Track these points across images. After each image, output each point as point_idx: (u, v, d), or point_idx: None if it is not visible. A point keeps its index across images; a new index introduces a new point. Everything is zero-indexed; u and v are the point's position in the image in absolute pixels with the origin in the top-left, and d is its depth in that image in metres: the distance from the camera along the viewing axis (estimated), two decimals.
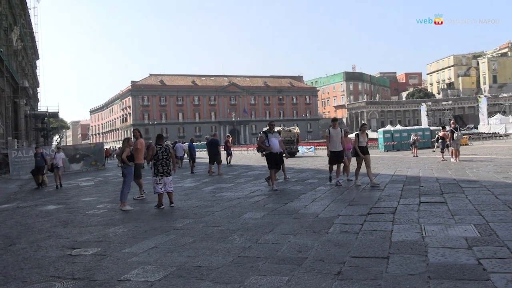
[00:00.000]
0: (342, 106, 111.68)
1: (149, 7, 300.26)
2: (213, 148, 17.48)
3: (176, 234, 6.27)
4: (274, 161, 11.00)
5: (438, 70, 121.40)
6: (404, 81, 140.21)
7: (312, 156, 29.76)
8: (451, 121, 21.52)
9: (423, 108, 73.24)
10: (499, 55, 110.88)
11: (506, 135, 49.00)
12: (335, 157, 11.21)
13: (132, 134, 10.56)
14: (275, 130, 11.80)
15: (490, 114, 69.58)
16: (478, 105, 72.68)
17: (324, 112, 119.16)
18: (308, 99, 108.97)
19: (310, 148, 35.96)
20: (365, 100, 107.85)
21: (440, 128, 22.77)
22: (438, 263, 4.12)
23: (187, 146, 23.93)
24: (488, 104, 71.49)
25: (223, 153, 24.17)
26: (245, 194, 10.42)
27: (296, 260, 4.54)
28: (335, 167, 11.44)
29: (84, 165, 27.60)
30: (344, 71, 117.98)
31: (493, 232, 5.16)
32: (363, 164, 10.71)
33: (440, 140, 19.60)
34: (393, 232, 5.53)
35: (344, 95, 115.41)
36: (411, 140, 25.82)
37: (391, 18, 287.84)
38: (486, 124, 62.43)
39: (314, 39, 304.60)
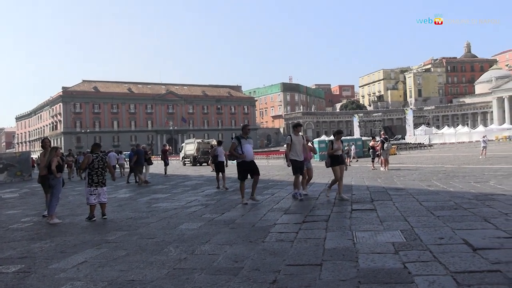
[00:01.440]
0: (279, 116, 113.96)
1: (81, 9, 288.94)
2: (140, 158, 17.99)
3: (108, 247, 6.02)
4: (246, 170, 9.74)
5: (369, 83, 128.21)
6: (338, 93, 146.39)
7: None
8: (381, 132, 22.76)
9: (356, 119, 76.56)
10: (424, 70, 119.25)
11: (430, 145, 52.66)
12: (297, 167, 10.05)
13: (42, 144, 9.51)
14: (250, 136, 10.30)
15: (416, 125, 74.59)
16: (405, 117, 77.38)
17: (262, 122, 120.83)
18: (246, 109, 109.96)
19: None
20: (301, 110, 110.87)
21: (371, 138, 23.96)
22: (367, 268, 4.30)
23: (123, 155, 23.38)
24: (414, 116, 76.63)
25: (161, 163, 24.05)
26: (181, 205, 10.26)
27: (232, 270, 4.53)
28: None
29: (8, 176, 25.80)
30: (281, 82, 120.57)
31: (417, 237, 5.48)
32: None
33: (370, 150, 20.63)
34: (326, 239, 5.70)
35: (281, 105, 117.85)
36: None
37: (326, 31, 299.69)
38: (412, 135, 66.70)
39: (252, 50, 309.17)
